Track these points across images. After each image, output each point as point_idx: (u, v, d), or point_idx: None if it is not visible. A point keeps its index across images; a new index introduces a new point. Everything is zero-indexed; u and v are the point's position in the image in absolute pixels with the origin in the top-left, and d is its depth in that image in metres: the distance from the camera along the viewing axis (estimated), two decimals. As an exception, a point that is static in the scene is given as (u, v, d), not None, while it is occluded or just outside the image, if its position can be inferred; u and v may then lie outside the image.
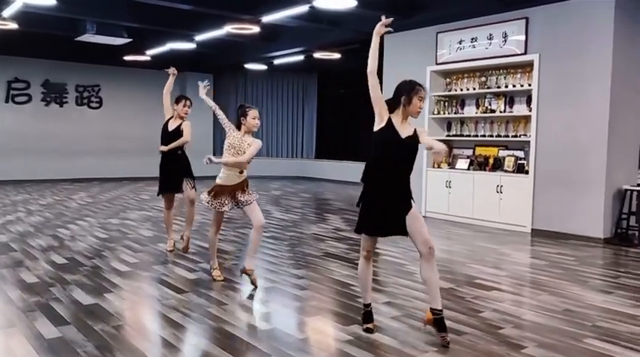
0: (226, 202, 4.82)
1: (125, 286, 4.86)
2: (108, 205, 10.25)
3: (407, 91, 3.61)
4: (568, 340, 3.75)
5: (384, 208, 3.60)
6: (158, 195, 6.40)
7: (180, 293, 4.67)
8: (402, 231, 3.63)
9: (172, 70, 6.40)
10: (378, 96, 3.60)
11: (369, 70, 3.56)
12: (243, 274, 4.93)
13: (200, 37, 11.07)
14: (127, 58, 13.44)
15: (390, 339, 3.68)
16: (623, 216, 7.26)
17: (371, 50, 3.58)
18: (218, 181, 4.86)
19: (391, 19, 3.58)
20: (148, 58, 13.39)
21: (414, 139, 3.63)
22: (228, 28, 9.76)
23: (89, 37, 11.02)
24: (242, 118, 4.79)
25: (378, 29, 3.59)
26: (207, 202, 4.83)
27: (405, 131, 3.61)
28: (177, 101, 6.18)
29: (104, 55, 13.26)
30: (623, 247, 6.99)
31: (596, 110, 7.27)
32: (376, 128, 3.64)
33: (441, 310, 3.62)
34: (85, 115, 15.03)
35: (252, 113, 4.78)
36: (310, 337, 3.81)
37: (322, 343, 3.71)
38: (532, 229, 7.92)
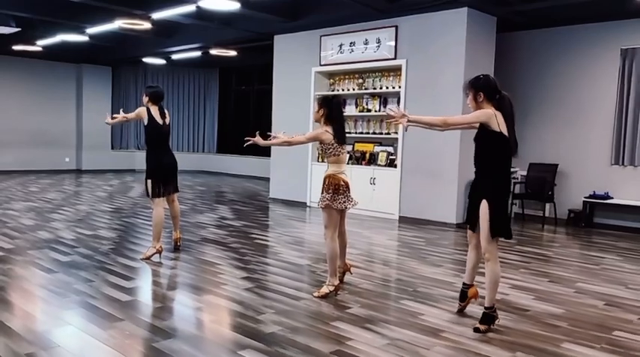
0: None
1: (-5, 269, 5.06)
2: (-8, 196, 10.07)
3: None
4: (388, 302, 4.48)
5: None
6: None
7: (50, 273, 4.96)
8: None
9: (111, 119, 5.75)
10: (473, 115, 3.83)
11: (443, 123, 3.89)
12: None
13: (92, 30, 11.06)
14: (16, 47, 13.07)
15: (236, 305, 4.22)
16: (473, 204, 8.29)
17: (426, 120, 3.90)
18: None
19: (392, 111, 3.85)
20: (39, 49, 13.11)
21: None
22: (120, 23, 9.87)
23: (-27, 25, 10.71)
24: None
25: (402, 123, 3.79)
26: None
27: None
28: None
29: (-10, 43, 12.85)
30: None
31: (451, 111, 8.19)
32: (498, 129, 3.75)
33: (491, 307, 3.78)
34: (-32, 106, 14.41)
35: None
36: (165, 305, 4.27)
37: (175, 309, 4.19)
38: (399, 217, 8.80)
